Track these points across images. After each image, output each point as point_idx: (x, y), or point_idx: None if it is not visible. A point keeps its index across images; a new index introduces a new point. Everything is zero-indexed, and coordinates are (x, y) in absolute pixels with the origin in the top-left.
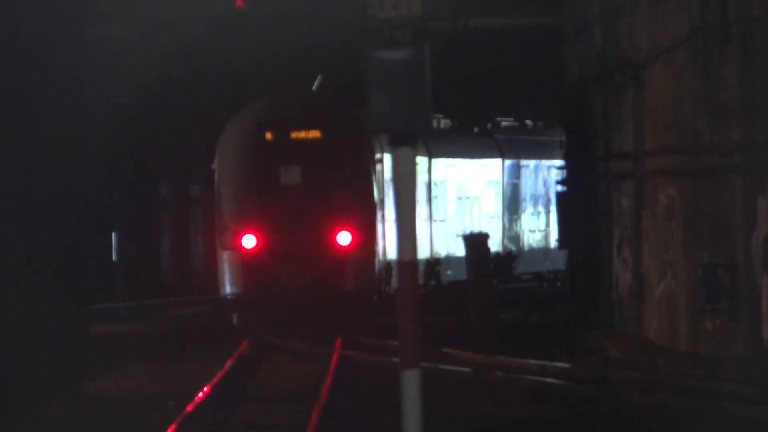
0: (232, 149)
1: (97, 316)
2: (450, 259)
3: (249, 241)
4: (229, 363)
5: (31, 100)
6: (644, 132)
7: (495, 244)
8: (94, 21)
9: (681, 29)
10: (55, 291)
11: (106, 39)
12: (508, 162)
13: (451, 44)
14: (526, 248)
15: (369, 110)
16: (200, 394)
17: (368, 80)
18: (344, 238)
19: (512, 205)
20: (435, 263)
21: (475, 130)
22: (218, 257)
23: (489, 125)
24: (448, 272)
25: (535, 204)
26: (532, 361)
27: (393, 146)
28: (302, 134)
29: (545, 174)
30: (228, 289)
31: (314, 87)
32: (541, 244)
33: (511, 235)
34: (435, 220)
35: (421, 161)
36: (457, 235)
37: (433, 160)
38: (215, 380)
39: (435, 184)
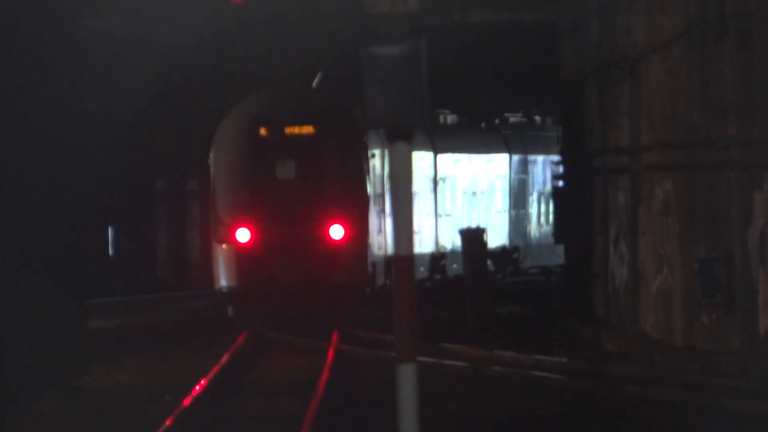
0: (227, 144)
1: (93, 311)
2: (455, 253)
3: (243, 235)
4: (225, 357)
5: (27, 96)
6: (640, 127)
7: (501, 238)
8: (90, 15)
9: (677, 24)
10: (51, 286)
11: (102, 34)
12: (515, 157)
13: (448, 39)
14: (533, 242)
15: (365, 106)
16: (196, 389)
17: (364, 76)
18: (337, 231)
19: (519, 199)
20: (440, 257)
21: (482, 125)
22: (213, 251)
23: (497, 121)
24: (454, 266)
25: (543, 199)
26: (528, 356)
27: (389, 141)
28: (296, 129)
29: (553, 169)
30: (223, 282)
31: (314, 83)
32: (548, 239)
33: (518, 229)
34: (440, 215)
35: (426, 156)
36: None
37: (439, 156)
38: (212, 374)
39: (440, 179)
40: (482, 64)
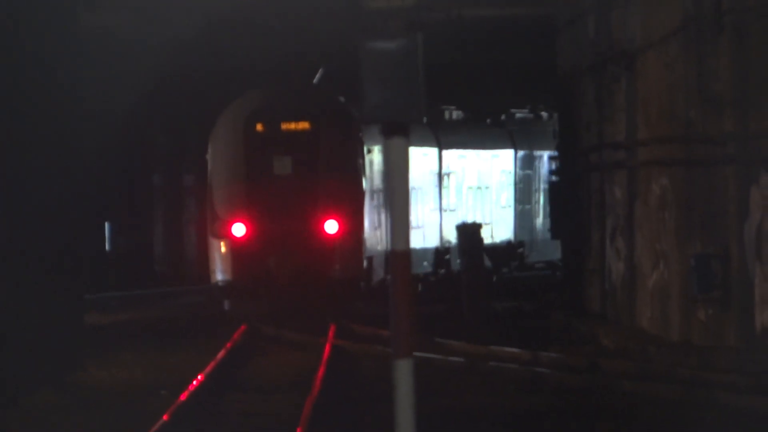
0: (224, 140)
1: (90, 306)
2: None
3: (239, 230)
4: (221, 353)
5: (24, 92)
6: (637, 122)
7: (507, 233)
8: (88, 11)
9: (674, 19)
10: (48, 281)
11: (100, 29)
12: (520, 152)
13: (449, 34)
14: (538, 237)
15: (362, 100)
16: (193, 384)
17: (361, 71)
18: (331, 226)
19: (525, 194)
20: (445, 252)
21: (488, 121)
22: (210, 245)
23: (503, 117)
24: (458, 261)
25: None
26: (524, 351)
27: (386, 136)
28: (292, 125)
29: (549, 164)
30: (219, 276)
31: (316, 79)
32: None
33: (524, 224)
34: (445, 210)
35: (431, 152)
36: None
37: (444, 151)
38: (208, 370)
39: (445, 174)
40: (482, 59)
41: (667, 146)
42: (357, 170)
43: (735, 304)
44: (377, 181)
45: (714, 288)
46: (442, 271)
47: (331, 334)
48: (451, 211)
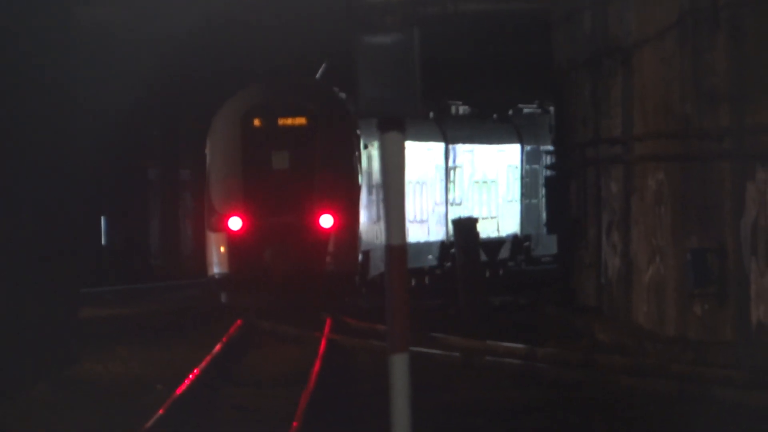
0: (222, 135)
1: (85, 300)
2: None
3: (235, 223)
4: (217, 347)
5: (18, 86)
6: (633, 117)
7: (513, 227)
8: (84, 4)
9: (670, 14)
10: (43, 275)
11: (96, 23)
12: (527, 147)
13: (453, 29)
14: (544, 231)
15: (357, 95)
16: (189, 378)
17: (357, 65)
18: (327, 221)
19: (531, 189)
20: (450, 245)
21: (495, 116)
22: (206, 239)
23: (510, 112)
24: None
25: None
26: (520, 346)
27: (381, 131)
28: (289, 121)
29: (545, 159)
30: (215, 269)
31: (318, 75)
32: None
33: (530, 218)
34: (452, 204)
35: (437, 146)
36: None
37: (450, 146)
38: (204, 364)
39: (451, 168)
40: (478, 54)
41: (664, 141)
42: (353, 165)
43: (731, 299)
44: (377, 176)
45: (710, 283)
46: (448, 264)
47: (326, 328)
48: (457, 204)
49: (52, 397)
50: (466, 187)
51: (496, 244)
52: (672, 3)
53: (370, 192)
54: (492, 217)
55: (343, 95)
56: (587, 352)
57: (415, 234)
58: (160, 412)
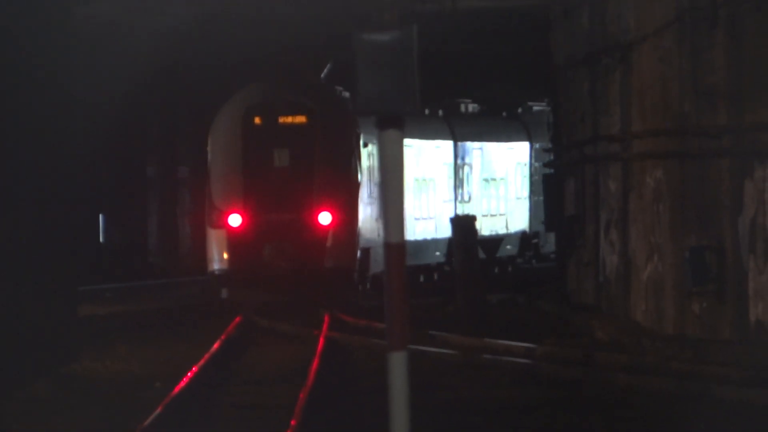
0: (223, 133)
1: (84, 298)
2: None
3: (235, 220)
4: (216, 344)
5: (16, 80)
6: (631, 114)
7: (522, 224)
8: (81, 2)
9: (669, 11)
10: (42, 273)
11: (94, 19)
12: (536, 145)
13: (445, 25)
14: None
15: (356, 93)
16: (188, 376)
17: (356, 62)
18: (325, 218)
19: (540, 186)
20: None
21: (504, 114)
22: (207, 235)
23: (519, 109)
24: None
25: None
26: (519, 344)
27: (380, 129)
28: (289, 119)
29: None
30: (215, 265)
31: (323, 74)
32: None
33: (539, 215)
34: (460, 201)
35: (446, 144)
36: (483, 215)
37: (459, 143)
38: (202, 361)
39: (460, 166)
40: (477, 51)
41: (662, 139)
42: (352, 163)
43: (729, 297)
44: (378, 174)
45: (708, 281)
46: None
47: (325, 326)
48: (466, 202)
49: (51, 395)
50: (475, 184)
51: (504, 240)
52: (670, 1)
53: (370, 190)
54: (501, 214)
55: (346, 94)
56: (586, 350)
57: (423, 231)
58: (159, 409)
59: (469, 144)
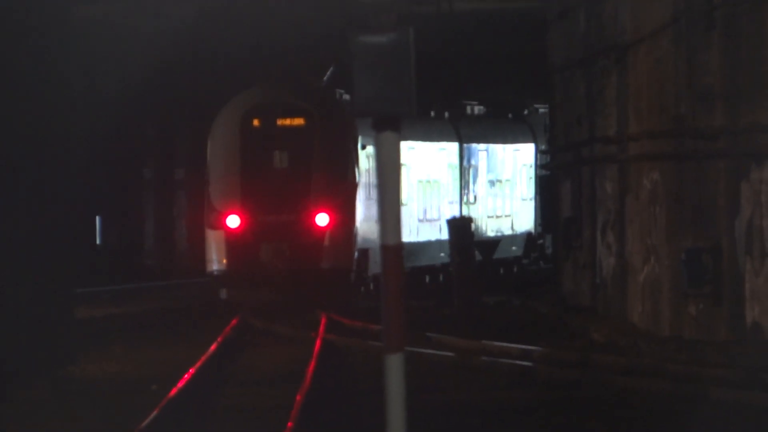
0: (222, 135)
1: (81, 300)
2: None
3: (233, 221)
4: (213, 347)
5: (14, 83)
6: (628, 116)
7: (527, 225)
8: (80, 1)
9: (665, 13)
10: (39, 275)
11: (92, 20)
12: (542, 147)
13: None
14: None
15: (353, 94)
16: (184, 378)
17: (353, 64)
18: (322, 219)
19: None
20: None
21: (510, 116)
22: (206, 236)
23: (525, 111)
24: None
25: None
26: (515, 346)
27: (376, 130)
28: (287, 121)
29: (540, 158)
30: (214, 266)
31: (326, 77)
32: None
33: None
34: (465, 203)
35: (451, 146)
36: (489, 216)
37: (465, 145)
38: (199, 364)
39: (465, 167)
40: (473, 53)
41: (658, 140)
42: (349, 165)
43: (726, 299)
44: (358, 175)
45: (705, 282)
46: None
47: (321, 328)
48: (471, 203)
49: (48, 397)
50: (480, 185)
51: (510, 241)
52: (667, 2)
53: (369, 191)
54: (506, 215)
55: (346, 96)
56: (582, 352)
57: (428, 233)
58: (156, 412)
59: (474, 146)
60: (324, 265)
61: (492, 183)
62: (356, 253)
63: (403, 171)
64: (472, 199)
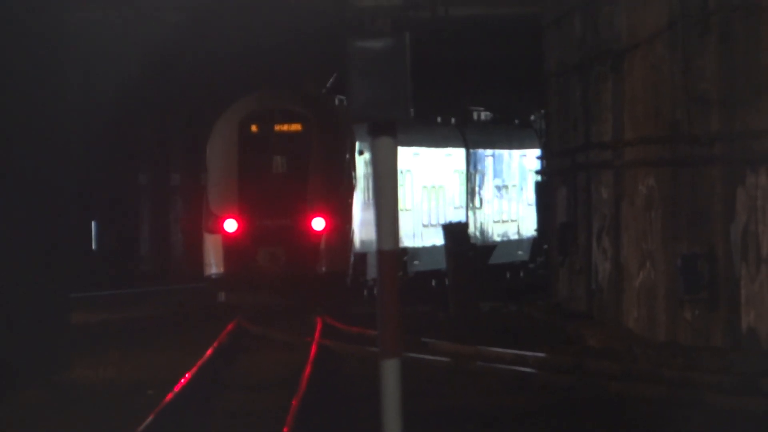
0: (221, 140)
1: (76, 305)
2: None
3: (230, 225)
4: (209, 351)
5: (9, 88)
6: (623, 122)
7: (533, 230)
8: (75, 7)
9: (660, 19)
10: (34, 280)
11: (87, 26)
12: None
13: (432, 32)
14: None
15: (350, 99)
16: (180, 383)
17: (349, 70)
18: (318, 223)
19: None
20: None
21: (516, 121)
22: (204, 240)
23: (532, 117)
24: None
25: None
26: (511, 351)
27: (372, 135)
28: (285, 127)
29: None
30: (212, 269)
31: (328, 85)
32: None
33: None
34: (471, 208)
35: (458, 152)
36: (495, 221)
37: (471, 151)
38: (195, 368)
39: (472, 172)
40: (468, 58)
41: (654, 146)
42: (346, 170)
43: (721, 304)
44: (355, 181)
45: (701, 288)
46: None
47: (317, 333)
48: (477, 208)
49: (43, 402)
50: (487, 190)
51: (516, 246)
52: (662, 8)
53: (367, 196)
54: (512, 220)
55: (336, 100)
56: (578, 357)
57: (433, 237)
58: (151, 417)
59: (481, 151)
60: (320, 269)
61: (498, 188)
62: (353, 258)
63: (408, 177)
64: (478, 204)
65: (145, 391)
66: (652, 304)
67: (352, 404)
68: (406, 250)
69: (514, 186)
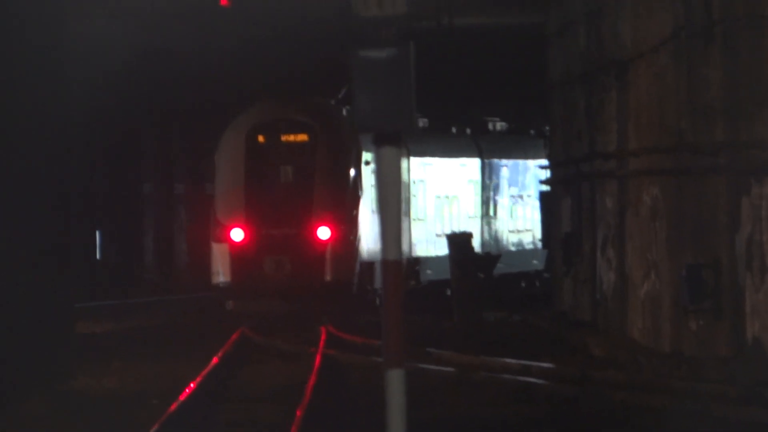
0: (228, 150)
1: (80, 315)
2: (504, 253)
3: (237, 235)
4: (213, 361)
5: (13, 98)
6: (628, 131)
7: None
8: (78, 16)
9: (664, 29)
10: (38, 289)
11: (91, 35)
12: None
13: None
14: None
15: (354, 110)
16: (184, 393)
17: (353, 79)
18: (324, 233)
19: None
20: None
21: (531, 131)
22: (211, 249)
23: (546, 127)
24: (500, 265)
25: None
26: (515, 361)
27: (377, 146)
28: (291, 137)
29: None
30: (220, 278)
31: (339, 96)
32: None
33: None
34: (485, 217)
35: (472, 162)
36: (510, 231)
37: (486, 161)
38: (199, 379)
39: (486, 182)
40: (468, 67)
41: (658, 156)
42: (352, 179)
43: (726, 315)
44: (360, 190)
45: (705, 298)
46: (481, 276)
47: (321, 343)
48: (492, 217)
49: (47, 412)
50: (502, 200)
51: (530, 255)
52: (667, 17)
53: (374, 206)
54: (527, 230)
55: (342, 110)
56: (582, 367)
57: (445, 247)
58: (155, 427)
59: (496, 161)
60: (326, 278)
61: (513, 197)
62: (359, 267)
63: (421, 186)
64: (492, 214)
65: (149, 400)
66: (656, 314)
67: (356, 414)
68: (418, 259)
69: (529, 196)
